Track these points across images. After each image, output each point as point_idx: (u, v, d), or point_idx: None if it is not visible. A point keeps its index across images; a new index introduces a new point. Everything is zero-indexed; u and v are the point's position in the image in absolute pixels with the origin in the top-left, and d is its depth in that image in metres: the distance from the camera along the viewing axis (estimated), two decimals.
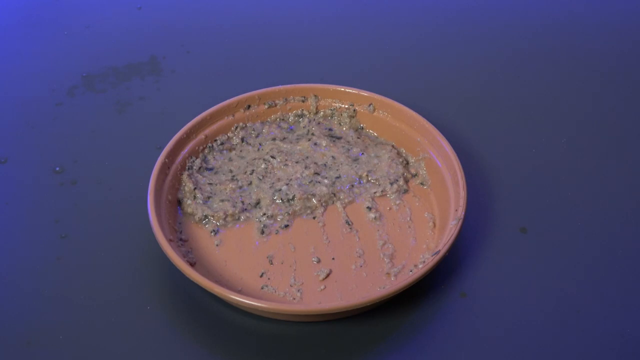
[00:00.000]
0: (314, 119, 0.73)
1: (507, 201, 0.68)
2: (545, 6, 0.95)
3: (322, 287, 0.60)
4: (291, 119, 0.73)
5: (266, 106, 0.72)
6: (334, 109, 0.73)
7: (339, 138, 0.72)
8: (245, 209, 0.65)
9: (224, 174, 0.68)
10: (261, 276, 0.60)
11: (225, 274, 0.60)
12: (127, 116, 0.77)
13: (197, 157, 0.68)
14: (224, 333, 0.58)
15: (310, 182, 0.67)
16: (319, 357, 0.56)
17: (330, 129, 0.73)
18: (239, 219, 0.64)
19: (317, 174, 0.68)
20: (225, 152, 0.70)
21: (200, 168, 0.68)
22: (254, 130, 0.72)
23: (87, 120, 0.76)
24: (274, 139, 0.71)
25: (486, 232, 0.65)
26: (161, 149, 0.66)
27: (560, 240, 0.65)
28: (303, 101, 0.73)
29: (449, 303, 0.60)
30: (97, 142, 0.74)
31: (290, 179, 0.67)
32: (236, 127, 0.71)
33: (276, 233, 0.64)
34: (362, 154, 0.70)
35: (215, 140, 0.70)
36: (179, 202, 0.65)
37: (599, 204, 0.68)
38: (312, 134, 0.71)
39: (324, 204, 0.66)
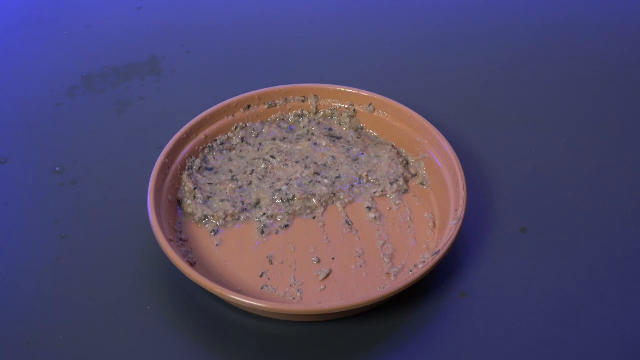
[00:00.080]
0: (314, 119, 0.73)
1: (507, 201, 0.68)
2: (545, 6, 0.95)
3: (322, 287, 0.60)
4: (291, 119, 0.73)
5: (266, 106, 0.72)
6: (334, 109, 0.73)
7: (339, 138, 0.72)
8: (245, 209, 0.65)
9: (224, 174, 0.68)
10: (261, 276, 0.60)
11: (225, 274, 0.60)
12: (127, 116, 0.77)
13: (197, 157, 0.68)
14: (224, 333, 0.58)
15: (310, 182, 0.67)
16: (319, 357, 0.56)
17: (330, 129, 0.73)
18: (239, 219, 0.64)
19: (317, 174, 0.68)
20: (225, 152, 0.70)
21: (200, 168, 0.68)
22: (254, 130, 0.72)
23: (87, 120, 0.76)
24: (274, 139, 0.71)
25: (486, 232, 0.65)
26: (161, 149, 0.66)
27: (560, 240, 0.65)
28: (303, 101, 0.73)
29: (449, 303, 0.60)
30: (97, 142, 0.74)
31: (290, 179, 0.67)
32: (236, 127, 0.71)
33: (276, 233, 0.64)
34: (362, 154, 0.70)
35: (215, 140, 0.70)
36: (179, 202, 0.65)
37: (599, 204, 0.68)
38: (312, 134, 0.71)
39: (324, 204, 0.66)
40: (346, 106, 0.73)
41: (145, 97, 0.79)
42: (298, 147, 0.70)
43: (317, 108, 0.73)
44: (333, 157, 0.69)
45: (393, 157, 0.69)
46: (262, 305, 0.54)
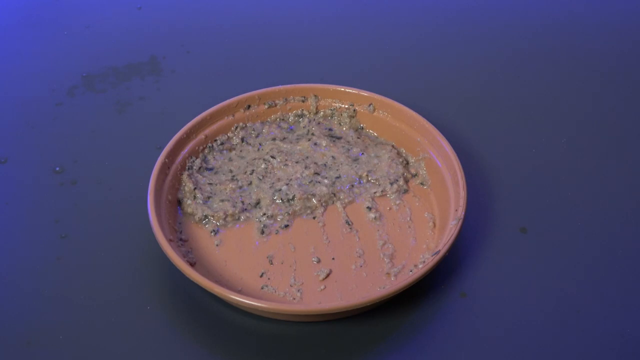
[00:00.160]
0: (314, 119, 0.73)
1: (507, 201, 0.68)
2: (545, 6, 0.95)
3: (322, 287, 0.60)
4: (291, 119, 0.73)
5: (266, 106, 0.72)
6: (334, 109, 0.73)
7: (339, 138, 0.72)
8: (245, 209, 0.65)
9: (224, 174, 0.68)
10: (261, 276, 0.60)
11: (225, 274, 0.60)
12: (127, 116, 0.77)
13: (197, 157, 0.68)
14: (224, 333, 0.58)
15: (310, 182, 0.67)
16: (319, 357, 0.56)
17: (330, 129, 0.73)
18: (239, 219, 0.64)
19: (317, 174, 0.68)
20: (225, 152, 0.70)
21: (200, 168, 0.68)
22: (254, 130, 0.72)
23: (87, 120, 0.76)
24: (274, 139, 0.71)
25: (486, 232, 0.65)
26: (161, 149, 0.66)
27: (560, 240, 0.65)
28: (303, 101, 0.73)
29: (449, 303, 0.60)
30: (97, 142, 0.74)
31: (290, 179, 0.67)
32: (236, 127, 0.71)
33: (276, 233, 0.64)
34: (362, 154, 0.70)
35: (215, 140, 0.70)
36: (179, 202, 0.65)
37: (599, 204, 0.68)
38: (312, 134, 0.71)
39: (324, 204, 0.66)
40: (346, 106, 0.73)
41: (145, 97, 0.79)
42: (298, 147, 0.70)
43: (317, 108, 0.73)
44: (333, 157, 0.69)
45: (393, 157, 0.69)
46: (262, 305, 0.54)
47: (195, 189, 0.65)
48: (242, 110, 0.71)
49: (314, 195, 0.66)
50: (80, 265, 0.62)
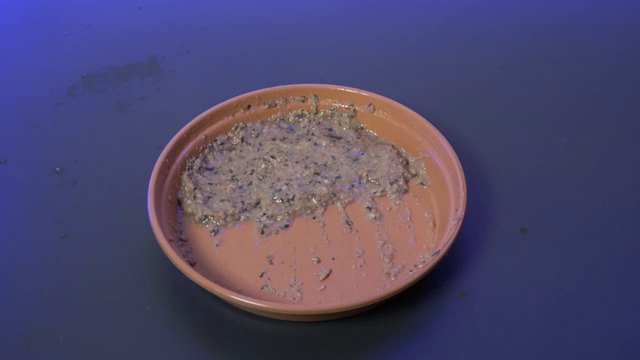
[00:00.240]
0: (314, 119, 0.73)
1: (507, 201, 0.68)
2: (545, 6, 0.95)
3: (322, 287, 0.60)
4: (291, 119, 0.73)
5: (266, 106, 0.72)
6: (334, 109, 0.73)
7: (339, 138, 0.72)
8: (245, 209, 0.65)
9: (224, 174, 0.68)
10: (261, 276, 0.60)
11: (225, 274, 0.60)
12: (127, 116, 0.77)
13: (197, 157, 0.68)
14: (224, 333, 0.58)
15: (310, 182, 0.67)
16: (319, 357, 0.56)
17: (330, 129, 0.73)
18: (239, 219, 0.64)
19: (317, 174, 0.68)
20: (225, 152, 0.70)
21: (200, 168, 0.68)
22: (254, 130, 0.72)
23: (87, 120, 0.76)
24: (274, 139, 0.71)
25: (486, 232, 0.65)
26: (161, 149, 0.66)
27: (560, 240, 0.65)
28: (303, 101, 0.73)
29: (449, 303, 0.60)
30: (97, 142, 0.74)
31: (290, 179, 0.67)
32: (236, 127, 0.71)
33: (276, 233, 0.64)
34: (362, 154, 0.70)
35: (215, 140, 0.70)
36: (179, 202, 0.65)
37: (599, 204, 0.68)
38: (312, 134, 0.71)
39: (324, 204, 0.66)
40: (346, 106, 0.73)
41: (145, 97, 0.79)
42: (298, 147, 0.70)
43: (317, 108, 0.73)
44: (333, 157, 0.69)
45: (393, 157, 0.69)
46: (262, 305, 0.54)
47: (195, 189, 0.65)
48: (242, 110, 0.71)
49: (314, 195, 0.66)
50: (80, 265, 0.62)
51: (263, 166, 0.68)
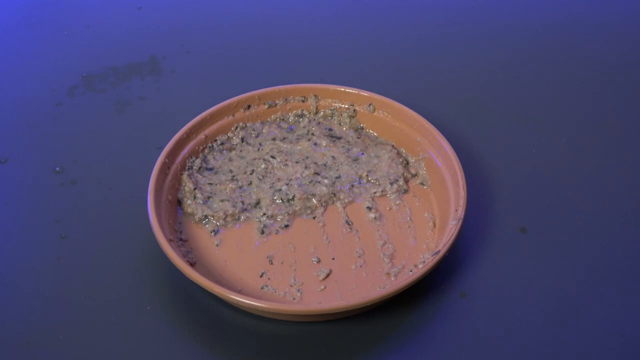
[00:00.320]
0: (314, 119, 0.73)
1: (507, 201, 0.68)
2: (545, 6, 0.95)
3: (322, 287, 0.60)
4: (291, 119, 0.73)
5: (266, 106, 0.72)
6: (334, 109, 0.73)
7: (339, 138, 0.72)
8: (245, 209, 0.65)
9: (224, 174, 0.68)
10: (261, 276, 0.60)
11: (225, 274, 0.60)
12: (127, 116, 0.77)
13: (197, 157, 0.68)
14: (224, 333, 0.58)
15: (310, 182, 0.67)
16: (319, 357, 0.56)
17: (330, 129, 0.73)
18: (239, 219, 0.64)
19: (317, 174, 0.68)
20: (225, 152, 0.70)
21: (200, 168, 0.68)
22: (254, 130, 0.72)
23: (87, 120, 0.76)
24: (274, 139, 0.71)
25: (486, 232, 0.65)
26: (161, 149, 0.66)
27: (560, 240, 0.65)
28: (303, 101, 0.73)
29: (449, 303, 0.60)
30: (97, 142, 0.74)
31: (290, 179, 0.67)
32: (236, 127, 0.71)
33: (276, 233, 0.64)
34: (362, 154, 0.70)
35: (215, 140, 0.70)
36: (179, 202, 0.65)
37: (599, 204, 0.68)
38: (312, 134, 0.71)
39: (324, 204, 0.66)
40: (346, 106, 0.73)
41: (145, 97, 0.79)
42: (298, 147, 0.70)
43: (317, 108, 0.73)
44: (333, 157, 0.69)
45: (393, 157, 0.69)
46: (262, 305, 0.54)
47: (195, 189, 0.65)
48: (242, 110, 0.71)
49: (314, 195, 0.66)
50: (80, 265, 0.62)
51: (263, 166, 0.68)
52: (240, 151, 0.70)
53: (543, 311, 0.59)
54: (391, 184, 0.67)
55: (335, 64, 0.84)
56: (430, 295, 0.60)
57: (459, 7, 0.94)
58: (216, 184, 0.67)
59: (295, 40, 0.88)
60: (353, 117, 0.73)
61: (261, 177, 0.67)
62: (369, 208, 0.66)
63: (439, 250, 0.58)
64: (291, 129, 0.73)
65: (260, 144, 0.71)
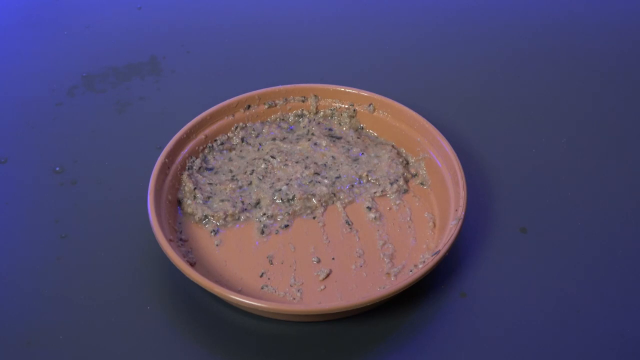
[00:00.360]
0: (314, 119, 0.73)
1: (507, 201, 0.68)
2: (545, 6, 0.95)
3: (322, 287, 0.60)
4: (291, 119, 0.73)
5: (266, 106, 0.72)
6: (334, 109, 0.73)
7: (339, 138, 0.72)
8: (245, 209, 0.65)
9: (224, 174, 0.68)
10: (261, 276, 0.60)
11: (225, 274, 0.60)
12: (127, 116, 0.77)
13: (197, 157, 0.68)
14: (224, 333, 0.58)
15: (310, 182, 0.67)
16: (319, 357, 0.56)
17: (330, 129, 0.73)
18: (239, 219, 0.64)
19: (317, 174, 0.68)
20: (225, 152, 0.70)
21: (200, 168, 0.68)
22: (254, 130, 0.72)
23: (87, 120, 0.76)
24: (274, 139, 0.71)
25: (486, 232, 0.65)
26: (161, 149, 0.66)
27: (560, 240, 0.65)
28: (303, 101, 0.73)
29: (449, 303, 0.60)
30: (97, 142, 0.74)
31: (290, 179, 0.67)
32: (236, 127, 0.71)
33: (276, 233, 0.64)
34: (362, 154, 0.70)
35: (215, 140, 0.70)
36: (179, 202, 0.65)
37: (599, 204, 0.68)
38: (312, 134, 0.71)
39: (324, 204, 0.66)
40: (346, 106, 0.73)
41: (145, 97, 0.79)
42: (298, 147, 0.70)
43: (317, 108, 0.73)
44: (333, 157, 0.69)
45: (393, 157, 0.69)
46: (262, 305, 0.54)
47: (195, 189, 0.65)
48: (242, 110, 0.71)
49: (314, 195, 0.66)
50: (80, 265, 0.62)
51: (263, 166, 0.68)
52: (240, 151, 0.70)
53: (543, 311, 0.59)
54: (391, 184, 0.67)
55: (335, 64, 0.84)
56: (430, 295, 0.60)
57: (459, 7, 0.94)
58: (216, 184, 0.67)
59: (295, 40, 0.88)
60: (353, 117, 0.73)
61: (261, 177, 0.67)
62: (369, 208, 0.66)
63: (439, 250, 0.58)
64: (291, 129, 0.73)
65: (260, 144, 0.71)
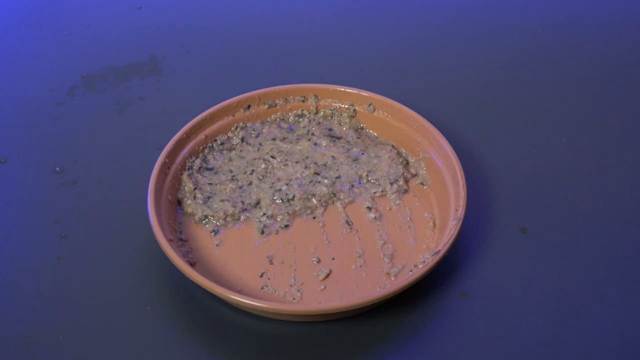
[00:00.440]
0: (314, 119, 0.73)
1: (507, 201, 0.68)
2: (545, 6, 0.95)
3: (322, 287, 0.60)
4: (291, 119, 0.73)
5: (266, 106, 0.72)
6: (334, 109, 0.73)
7: (339, 138, 0.72)
8: (245, 209, 0.65)
9: (224, 174, 0.68)
10: (261, 276, 0.60)
11: (225, 274, 0.60)
12: (127, 116, 0.77)
13: (197, 157, 0.68)
14: (224, 333, 0.58)
15: (310, 182, 0.67)
16: (319, 357, 0.56)
17: (330, 129, 0.73)
18: (239, 219, 0.64)
19: (317, 174, 0.68)
20: (225, 152, 0.70)
21: (200, 168, 0.68)
22: (254, 130, 0.72)
23: (87, 120, 0.76)
24: (274, 139, 0.71)
25: (486, 232, 0.65)
26: (161, 149, 0.66)
27: (560, 240, 0.65)
28: (303, 101, 0.73)
29: (449, 303, 0.60)
30: (97, 142, 0.74)
31: (290, 179, 0.67)
32: (236, 127, 0.71)
33: (276, 233, 0.64)
34: (362, 154, 0.70)
35: (215, 140, 0.70)
36: (179, 202, 0.65)
37: (599, 204, 0.68)
38: (312, 134, 0.71)
39: (324, 204, 0.66)
40: (346, 106, 0.73)
41: (145, 97, 0.79)
42: (298, 147, 0.70)
43: (317, 108, 0.73)
44: (333, 157, 0.69)
45: (393, 157, 0.69)
46: (262, 305, 0.54)
47: (195, 189, 0.65)
48: (242, 110, 0.71)
49: (314, 195, 0.66)
50: (80, 265, 0.62)
51: (263, 166, 0.68)
52: (240, 151, 0.70)
53: (543, 311, 0.59)
54: (391, 184, 0.67)
55: (335, 64, 0.84)
56: (430, 295, 0.60)
57: (459, 7, 0.94)
58: (216, 184, 0.67)
59: (295, 40, 0.88)
60: (353, 117, 0.73)
61: (261, 177, 0.67)
62: (369, 208, 0.66)
63: (439, 250, 0.58)
64: (291, 129, 0.73)
65: (260, 144, 0.71)
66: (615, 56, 0.86)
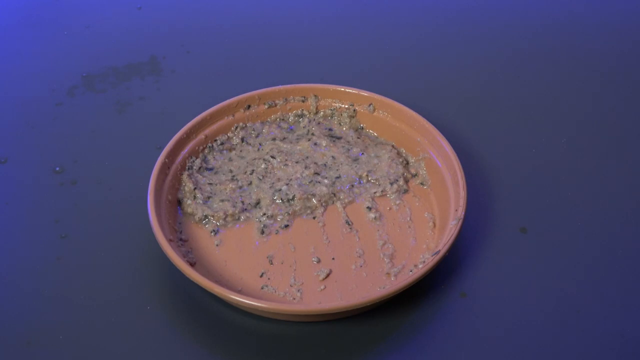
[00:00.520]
0: (314, 119, 0.73)
1: (507, 201, 0.68)
2: (545, 6, 0.95)
3: (322, 287, 0.60)
4: (291, 119, 0.73)
5: (266, 106, 0.72)
6: (334, 109, 0.73)
7: (339, 138, 0.72)
8: (245, 209, 0.65)
9: (224, 174, 0.68)
10: (261, 276, 0.60)
11: (225, 274, 0.60)
12: (127, 116, 0.77)
13: (197, 157, 0.68)
14: (224, 333, 0.58)
15: (310, 182, 0.67)
16: (319, 357, 0.56)
17: (330, 129, 0.73)
18: (239, 219, 0.64)
19: (317, 174, 0.68)
20: (225, 152, 0.70)
21: (200, 168, 0.68)
22: (254, 130, 0.72)
23: (87, 120, 0.76)
24: (274, 139, 0.71)
25: (486, 232, 0.65)
26: (161, 149, 0.66)
27: (560, 240, 0.65)
28: (303, 101, 0.73)
29: (449, 303, 0.60)
30: (97, 142, 0.74)
31: (290, 179, 0.67)
32: (236, 127, 0.71)
33: (276, 233, 0.64)
34: (362, 154, 0.70)
35: (215, 140, 0.70)
36: (179, 202, 0.65)
37: (599, 204, 0.68)
38: (312, 134, 0.71)
39: (324, 204, 0.66)
40: (346, 106, 0.73)
41: (145, 97, 0.79)
42: (298, 147, 0.70)
43: (317, 108, 0.73)
44: (333, 157, 0.69)
45: (393, 157, 0.69)
46: (262, 305, 0.54)
47: (195, 189, 0.65)
48: (242, 110, 0.71)
49: (314, 195, 0.66)
50: (80, 265, 0.62)
51: (263, 166, 0.68)
52: (240, 151, 0.70)
53: (543, 311, 0.59)
54: (391, 184, 0.67)
55: (335, 64, 0.84)
56: (430, 295, 0.60)
57: (459, 7, 0.94)
58: (216, 184, 0.67)
59: (295, 40, 0.88)
60: (353, 117, 0.73)
61: (261, 177, 0.67)
62: (369, 208, 0.66)
63: (439, 250, 0.58)
64: (291, 129, 0.73)
65: (260, 144, 0.71)
66: (615, 56, 0.86)
